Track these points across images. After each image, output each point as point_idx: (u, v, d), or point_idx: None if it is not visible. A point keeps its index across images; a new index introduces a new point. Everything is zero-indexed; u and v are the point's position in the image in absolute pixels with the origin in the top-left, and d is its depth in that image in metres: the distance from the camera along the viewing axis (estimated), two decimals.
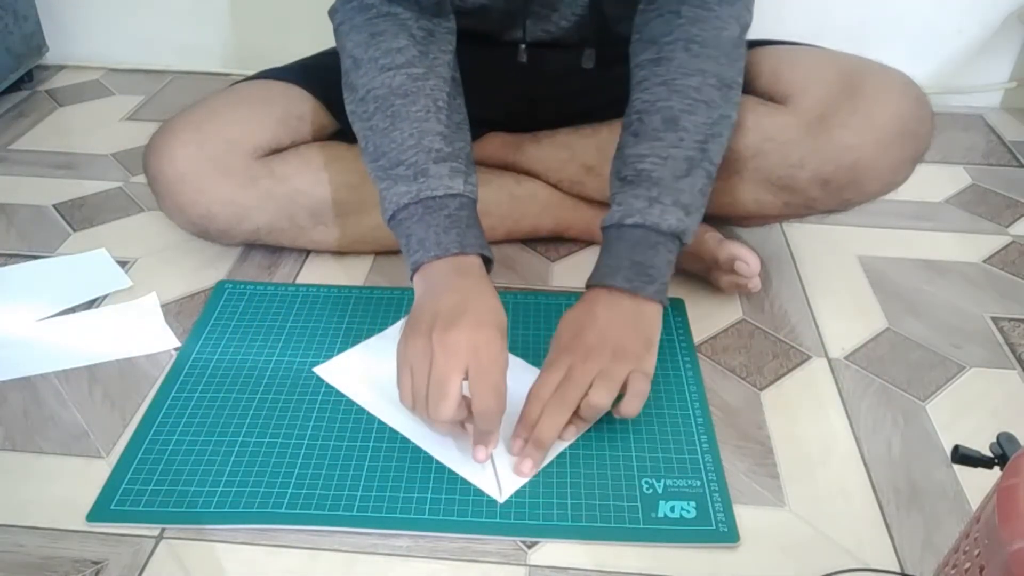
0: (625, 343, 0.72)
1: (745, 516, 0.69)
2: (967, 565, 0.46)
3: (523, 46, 0.92)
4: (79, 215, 1.10)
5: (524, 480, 0.71)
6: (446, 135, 0.78)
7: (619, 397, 0.72)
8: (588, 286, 0.77)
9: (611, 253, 0.76)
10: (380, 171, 0.79)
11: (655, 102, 0.77)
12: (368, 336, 0.87)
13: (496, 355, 0.68)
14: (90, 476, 0.72)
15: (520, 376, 0.78)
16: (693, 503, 0.69)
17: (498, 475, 0.71)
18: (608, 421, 0.76)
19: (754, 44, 0.87)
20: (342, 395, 0.80)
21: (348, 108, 0.84)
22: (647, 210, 0.75)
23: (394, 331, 0.88)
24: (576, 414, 0.72)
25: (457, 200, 0.77)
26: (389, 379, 0.73)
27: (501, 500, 0.69)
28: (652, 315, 0.75)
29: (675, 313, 0.91)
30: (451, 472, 0.72)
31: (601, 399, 0.70)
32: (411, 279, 0.76)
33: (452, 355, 0.66)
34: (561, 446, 0.74)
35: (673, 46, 0.78)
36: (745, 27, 0.82)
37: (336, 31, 0.85)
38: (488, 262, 0.77)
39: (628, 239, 0.75)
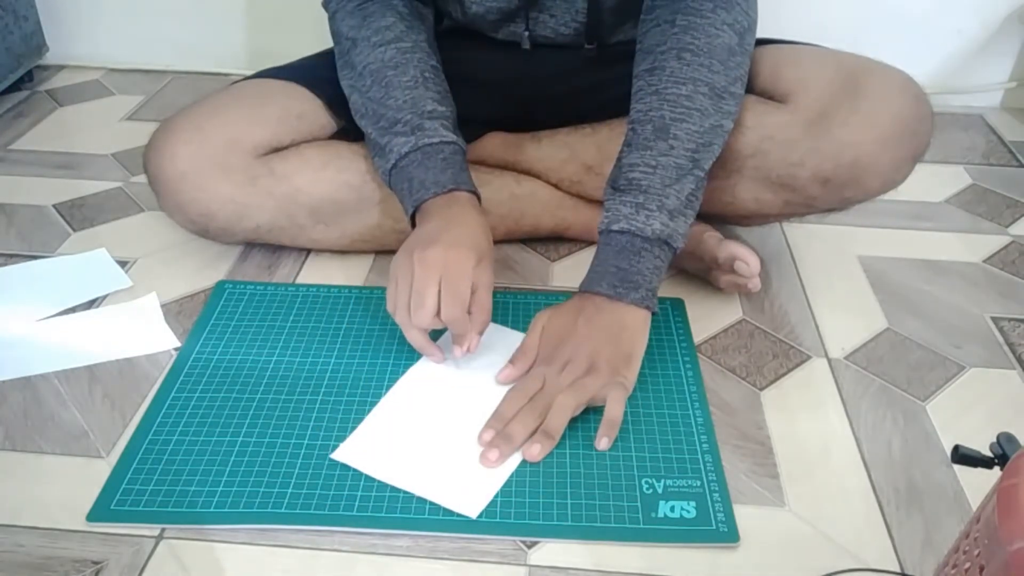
0: (602, 358, 0.75)
1: (745, 516, 0.69)
2: (967, 565, 0.46)
3: (526, 33, 0.94)
4: (79, 215, 1.10)
5: (493, 492, 0.70)
6: (436, 99, 0.87)
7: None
8: (580, 290, 0.81)
9: (599, 259, 0.80)
10: (380, 130, 0.87)
11: (647, 111, 0.81)
12: (366, 337, 0.87)
13: (464, 271, 0.76)
14: (90, 476, 0.72)
15: (508, 343, 0.81)
16: (693, 503, 0.69)
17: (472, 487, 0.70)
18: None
19: (755, 44, 0.88)
20: (342, 395, 0.80)
21: (346, 84, 0.91)
22: (633, 216, 0.78)
23: (398, 391, 0.80)
24: (545, 431, 0.73)
25: (450, 147, 0.85)
26: (411, 451, 0.73)
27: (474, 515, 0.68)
28: (636, 324, 0.78)
29: (675, 313, 0.91)
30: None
31: (561, 409, 0.73)
32: (411, 217, 0.84)
33: (427, 270, 0.75)
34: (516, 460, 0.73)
35: (666, 55, 0.81)
36: (744, 31, 0.82)
37: (331, 19, 0.92)
38: (479, 199, 0.86)
39: (615, 245, 0.79)
